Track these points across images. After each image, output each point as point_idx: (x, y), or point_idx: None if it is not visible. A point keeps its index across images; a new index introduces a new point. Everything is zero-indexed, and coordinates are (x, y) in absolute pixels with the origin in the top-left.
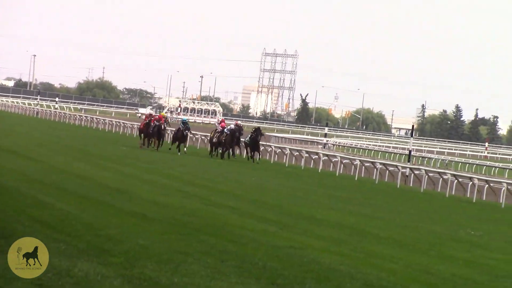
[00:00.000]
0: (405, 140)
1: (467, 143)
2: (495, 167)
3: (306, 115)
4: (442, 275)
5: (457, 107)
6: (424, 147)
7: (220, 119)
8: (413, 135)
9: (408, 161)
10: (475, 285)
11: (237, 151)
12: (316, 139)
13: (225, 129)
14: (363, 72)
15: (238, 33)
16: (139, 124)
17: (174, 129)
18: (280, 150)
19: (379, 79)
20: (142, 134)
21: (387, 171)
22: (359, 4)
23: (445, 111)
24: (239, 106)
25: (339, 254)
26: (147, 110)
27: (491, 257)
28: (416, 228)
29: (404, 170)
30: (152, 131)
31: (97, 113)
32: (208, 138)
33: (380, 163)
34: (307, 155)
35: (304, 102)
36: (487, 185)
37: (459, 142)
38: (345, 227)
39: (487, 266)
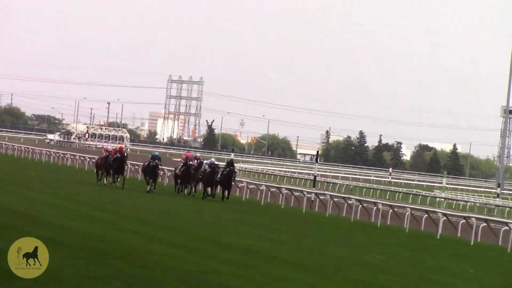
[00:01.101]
0: (310, 165)
1: (371, 168)
2: (399, 192)
3: (212, 141)
4: None
5: (361, 133)
6: (329, 172)
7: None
8: (318, 160)
9: (314, 186)
10: None
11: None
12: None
13: (205, 164)
14: (268, 99)
15: (144, 60)
16: (97, 158)
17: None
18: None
19: (283, 106)
20: (101, 170)
21: (293, 196)
22: (264, 31)
23: (349, 137)
24: (146, 132)
25: (246, 278)
26: (55, 136)
27: (395, 280)
28: (322, 252)
29: (309, 195)
30: (112, 164)
31: (6, 139)
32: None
33: (286, 188)
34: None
35: (210, 128)
36: (391, 210)
37: (363, 168)
38: (251, 252)
39: None
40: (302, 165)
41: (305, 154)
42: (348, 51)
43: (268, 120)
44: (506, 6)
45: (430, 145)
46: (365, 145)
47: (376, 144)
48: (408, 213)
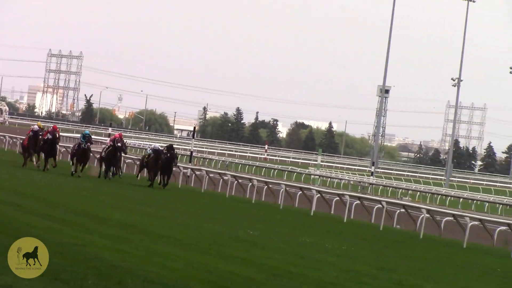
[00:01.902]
0: (187, 141)
1: (248, 145)
2: (274, 169)
3: (90, 115)
4: (221, 273)
5: (238, 110)
6: (206, 148)
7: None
8: (195, 136)
9: (190, 162)
10: (253, 282)
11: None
12: (101, 139)
13: (148, 149)
14: (146, 75)
15: (24, 34)
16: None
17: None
18: (64, 149)
19: (162, 82)
20: (26, 150)
21: None
22: (144, 6)
23: (226, 114)
24: (25, 105)
25: (121, 251)
26: None
27: (269, 256)
28: (197, 227)
29: (185, 170)
30: (42, 146)
31: None
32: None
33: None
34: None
35: (88, 102)
36: (266, 186)
37: (239, 144)
38: (127, 226)
39: (265, 265)
40: (179, 140)
41: (182, 130)
42: (229, 27)
43: (146, 95)
44: None
45: (306, 123)
46: (242, 121)
47: (253, 121)
48: (282, 189)
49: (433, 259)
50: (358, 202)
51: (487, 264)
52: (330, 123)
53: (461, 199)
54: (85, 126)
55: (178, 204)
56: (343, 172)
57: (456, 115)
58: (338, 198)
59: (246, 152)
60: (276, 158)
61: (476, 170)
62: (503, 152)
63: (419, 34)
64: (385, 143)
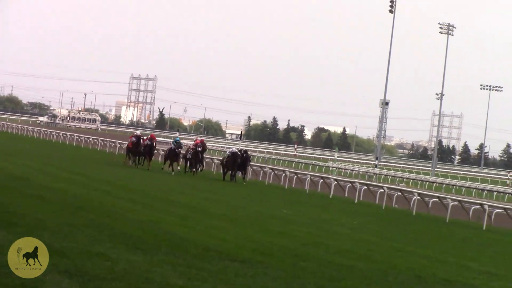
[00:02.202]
0: (236, 142)
1: (282, 145)
2: (302, 162)
3: (162, 123)
4: (263, 243)
5: (274, 118)
6: (250, 147)
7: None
8: (241, 138)
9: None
10: (287, 250)
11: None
12: (167, 141)
13: (228, 152)
14: (205, 92)
15: (108, 59)
16: (127, 142)
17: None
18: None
19: (216, 97)
20: (131, 153)
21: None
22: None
23: (265, 121)
24: (113, 116)
25: (186, 227)
26: (44, 118)
27: (298, 229)
28: (244, 208)
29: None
30: (143, 150)
31: (7, 120)
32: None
33: (217, 159)
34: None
35: (161, 113)
36: (295, 176)
37: (275, 144)
38: (191, 207)
39: (296, 236)
40: (230, 141)
41: (232, 134)
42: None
43: (205, 108)
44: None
45: (326, 128)
46: (277, 127)
47: (285, 126)
48: (308, 178)
49: (423, 231)
50: (366, 187)
51: (465, 234)
52: (344, 128)
53: (444, 185)
54: (159, 131)
55: (229, 190)
56: (354, 165)
57: (440, 121)
58: (350, 184)
59: (280, 150)
60: (303, 154)
61: (455, 163)
62: (475, 149)
63: (411, 55)
64: (385, 143)
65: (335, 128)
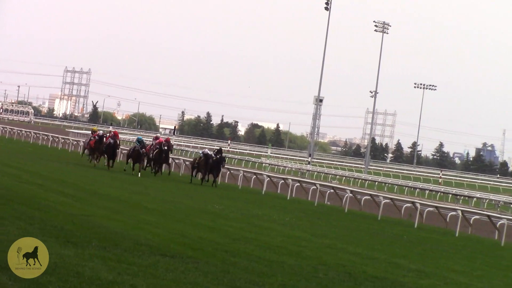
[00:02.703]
0: (169, 136)
1: (215, 140)
2: (235, 158)
3: (96, 117)
4: (193, 238)
5: (208, 113)
6: (183, 142)
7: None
8: (175, 133)
9: (170, 152)
10: (217, 245)
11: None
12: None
13: (200, 153)
14: (139, 86)
15: (42, 51)
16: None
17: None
18: (76, 142)
19: (150, 91)
20: (92, 151)
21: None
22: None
23: (199, 116)
24: (46, 109)
25: (117, 220)
26: None
27: (229, 225)
28: (176, 202)
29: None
30: (105, 149)
31: None
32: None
33: (184, 160)
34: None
35: (94, 107)
36: (228, 172)
37: (209, 139)
38: (122, 201)
39: (226, 231)
40: (163, 136)
41: (165, 128)
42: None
43: (139, 102)
44: None
45: (260, 124)
46: (211, 122)
47: (219, 122)
48: (241, 174)
49: (355, 228)
50: (298, 184)
51: (396, 232)
52: (277, 125)
53: (376, 183)
54: (92, 124)
55: (161, 185)
56: (287, 161)
57: (373, 119)
58: (283, 181)
59: (214, 146)
60: (237, 150)
61: (388, 160)
62: (408, 147)
63: (347, 53)
64: (319, 140)
65: (269, 125)
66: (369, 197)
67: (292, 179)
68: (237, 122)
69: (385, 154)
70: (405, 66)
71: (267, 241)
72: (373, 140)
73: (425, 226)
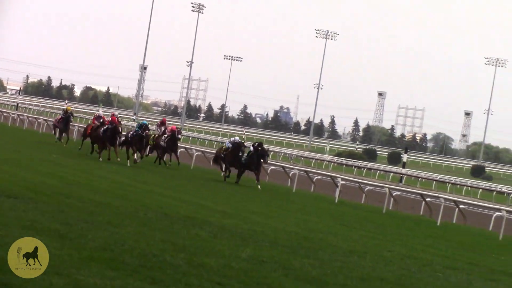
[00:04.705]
0: (16, 96)
1: (55, 100)
2: (77, 117)
3: None
4: (35, 182)
5: (49, 77)
6: (27, 102)
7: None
8: (20, 94)
9: (16, 109)
10: (55, 189)
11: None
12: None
13: (227, 142)
14: None
15: None
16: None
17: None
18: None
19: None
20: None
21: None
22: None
23: (41, 80)
24: None
25: None
26: None
27: (66, 172)
28: (18, 151)
29: (13, 114)
30: (105, 135)
31: None
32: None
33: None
34: None
35: None
36: (77, 129)
37: (50, 99)
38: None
39: (63, 177)
40: (10, 95)
41: (12, 89)
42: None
43: None
44: None
45: (93, 87)
46: (51, 85)
47: (58, 85)
48: (76, 129)
49: (170, 175)
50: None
51: (206, 177)
52: (108, 88)
53: (190, 138)
54: None
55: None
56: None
57: (189, 84)
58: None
59: (53, 105)
60: (73, 109)
61: (201, 119)
62: (218, 109)
63: (168, 29)
64: (143, 101)
65: (101, 88)
66: (184, 150)
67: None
68: (73, 85)
69: (198, 114)
70: (216, 40)
71: (96, 186)
72: (188, 102)
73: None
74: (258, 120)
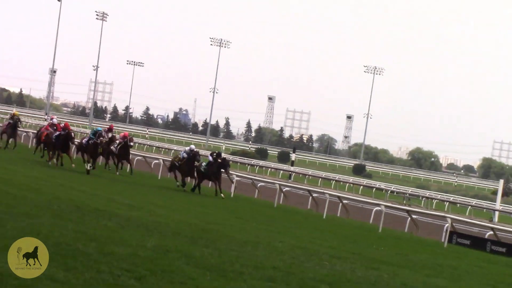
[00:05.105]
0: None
1: None
2: None
3: None
4: None
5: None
6: None
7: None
8: None
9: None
10: None
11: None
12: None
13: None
14: None
15: None
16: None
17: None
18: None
19: None
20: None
21: None
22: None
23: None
24: None
25: None
26: None
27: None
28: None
29: None
30: (58, 142)
31: None
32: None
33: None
34: None
35: None
36: None
37: None
38: None
39: None
40: None
41: None
42: None
43: None
44: None
45: (7, 88)
46: None
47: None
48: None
49: (79, 170)
50: (25, 134)
51: (116, 177)
52: (21, 89)
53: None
54: None
55: None
56: (29, 118)
57: (95, 87)
58: (25, 133)
59: None
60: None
61: (107, 119)
62: (123, 110)
63: (76, 38)
64: (53, 102)
65: (14, 89)
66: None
67: (33, 132)
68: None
69: (105, 115)
70: (120, 47)
71: (12, 179)
72: (95, 103)
73: (136, 170)
74: (160, 120)
